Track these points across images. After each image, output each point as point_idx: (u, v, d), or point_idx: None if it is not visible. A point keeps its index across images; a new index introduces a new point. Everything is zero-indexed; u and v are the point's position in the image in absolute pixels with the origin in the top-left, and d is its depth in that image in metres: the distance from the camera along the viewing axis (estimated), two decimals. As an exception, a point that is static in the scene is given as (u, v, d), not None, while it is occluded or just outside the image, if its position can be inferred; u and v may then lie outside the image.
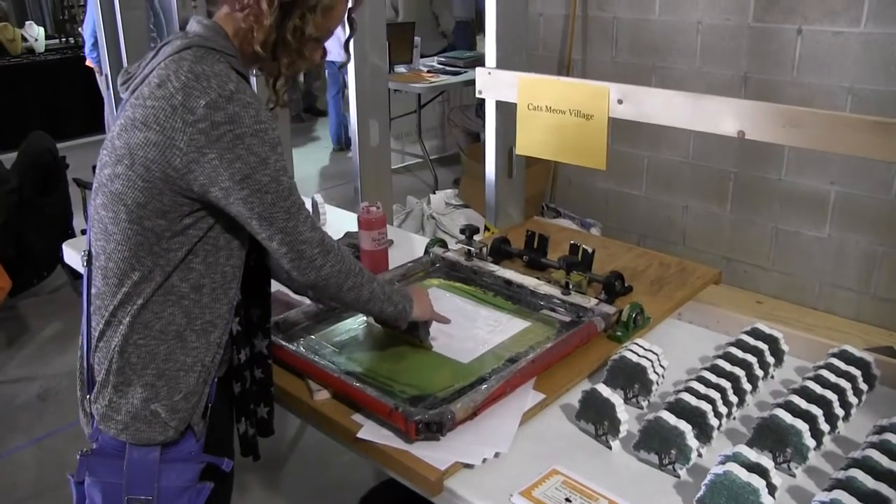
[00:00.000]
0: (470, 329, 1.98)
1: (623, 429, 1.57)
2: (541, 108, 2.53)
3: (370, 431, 1.60)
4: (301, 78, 8.60)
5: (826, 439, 1.56)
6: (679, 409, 1.54)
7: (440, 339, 1.91)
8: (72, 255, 2.68)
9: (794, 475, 1.48)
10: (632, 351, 1.72)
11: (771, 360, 1.79)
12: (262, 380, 1.74)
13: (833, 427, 1.58)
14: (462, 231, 2.34)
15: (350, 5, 1.60)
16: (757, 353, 1.76)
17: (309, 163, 7.32)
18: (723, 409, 1.59)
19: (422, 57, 6.61)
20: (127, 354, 1.49)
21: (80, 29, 8.11)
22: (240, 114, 1.40)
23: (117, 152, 1.46)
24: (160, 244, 1.47)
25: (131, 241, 1.47)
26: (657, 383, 1.72)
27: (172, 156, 1.41)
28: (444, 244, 2.40)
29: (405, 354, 1.85)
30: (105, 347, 1.51)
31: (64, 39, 8.91)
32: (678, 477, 1.48)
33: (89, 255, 1.55)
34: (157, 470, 1.51)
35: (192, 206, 1.46)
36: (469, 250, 2.30)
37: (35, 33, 8.44)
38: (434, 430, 1.54)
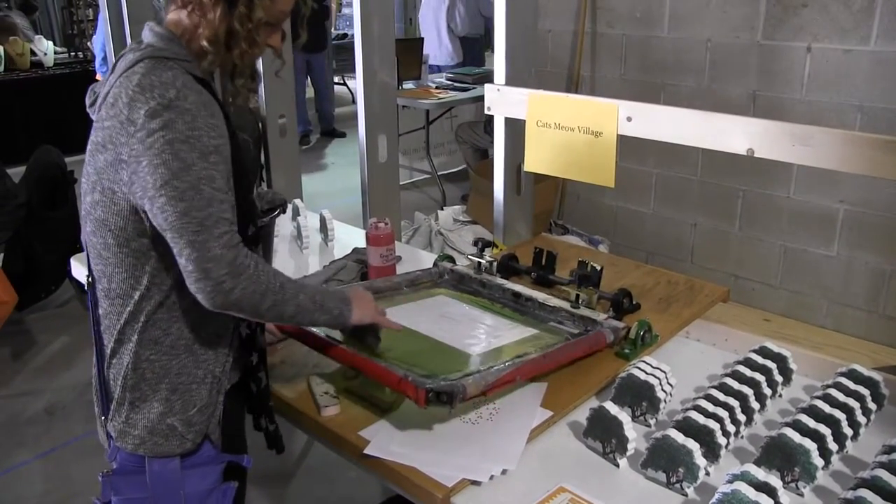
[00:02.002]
0: (477, 331, 1.98)
1: (630, 447, 1.56)
2: (550, 125, 2.53)
3: (377, 448, 1.60)
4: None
5: (834, 459, 1.55)
6: (687, 427, 1.54)
7: (449, 333, 1.91)
8: (80, 269, 2.68)
9: (802, 495, 1.48)
10: (640, 369, 1.72)
11: (779, 378, 1.79)
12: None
13: (841, 446, 1.57)
14: (475, 243, 2.35)
15: None
16: (765, 371, 1.76)
17: (319, 179, 7.33)
18: (731, 428, 1.59)
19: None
20: (141, 370, 1.50)
21: (89, 43, 8.16)
22: (174, 120, 1.36)
23: (90, 179, 1.46)
24: (150, 262, 1.46)
25: (125, 263, 1.47)
26: (665, 401, 1.72)
27: (121, 170, 1.39)
28: (451, 260, 2.40)
29: (417, 343, 1.84)
30: (118, 364, 1.52)
31: (73, 54, 8.93)
32: (686, 495, 1.48)
33: (91, 277, 1.55)
34: (180, 478, 1.52)
35: None
36: (479, 263, 2.30)
37: (44, 48, 8.49)
38: (444, 400, 1.50)
